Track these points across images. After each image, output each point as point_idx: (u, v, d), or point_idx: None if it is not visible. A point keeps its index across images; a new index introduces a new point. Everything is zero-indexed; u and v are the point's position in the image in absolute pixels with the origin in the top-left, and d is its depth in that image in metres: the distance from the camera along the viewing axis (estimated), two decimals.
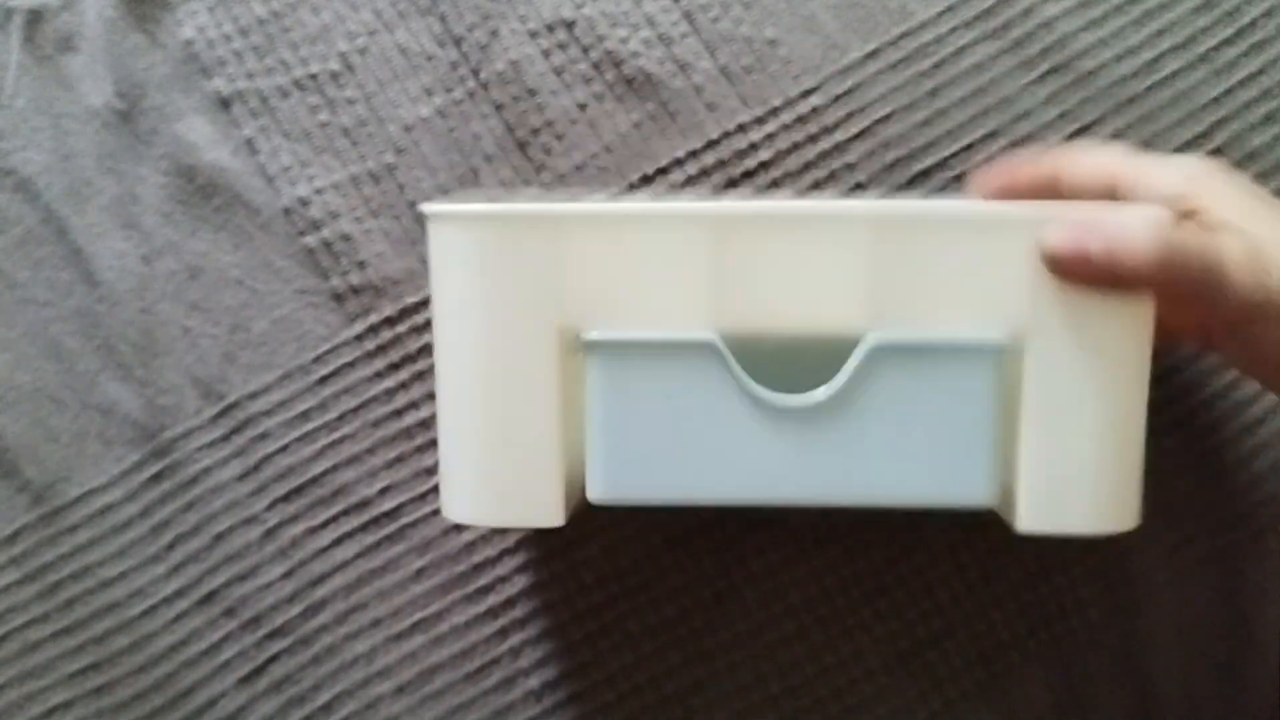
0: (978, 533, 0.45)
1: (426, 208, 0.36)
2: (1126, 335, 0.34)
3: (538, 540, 0.46)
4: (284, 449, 0.46)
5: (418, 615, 0.46)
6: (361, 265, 0.47)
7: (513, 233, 0.34)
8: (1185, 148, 0.46)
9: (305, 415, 0.46)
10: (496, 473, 0.35)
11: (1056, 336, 0.33)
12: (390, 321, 0.47)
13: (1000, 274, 0.33)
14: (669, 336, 0.34)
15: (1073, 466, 0.34)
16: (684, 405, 0.34)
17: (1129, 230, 0.32)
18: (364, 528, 0.46)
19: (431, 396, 0.46)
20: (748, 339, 0.34)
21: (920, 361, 0.33)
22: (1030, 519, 0.34)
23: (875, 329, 0.33)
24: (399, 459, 0.46)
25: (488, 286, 0.34)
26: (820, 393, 0.33)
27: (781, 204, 0.34)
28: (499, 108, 0.47)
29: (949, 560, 0.45)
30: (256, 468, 0.46)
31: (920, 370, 0.33)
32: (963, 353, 0.33)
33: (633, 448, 0.34)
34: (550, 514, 0.35)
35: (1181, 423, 0.45)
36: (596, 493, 0.34)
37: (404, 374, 0.46)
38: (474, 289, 0.35)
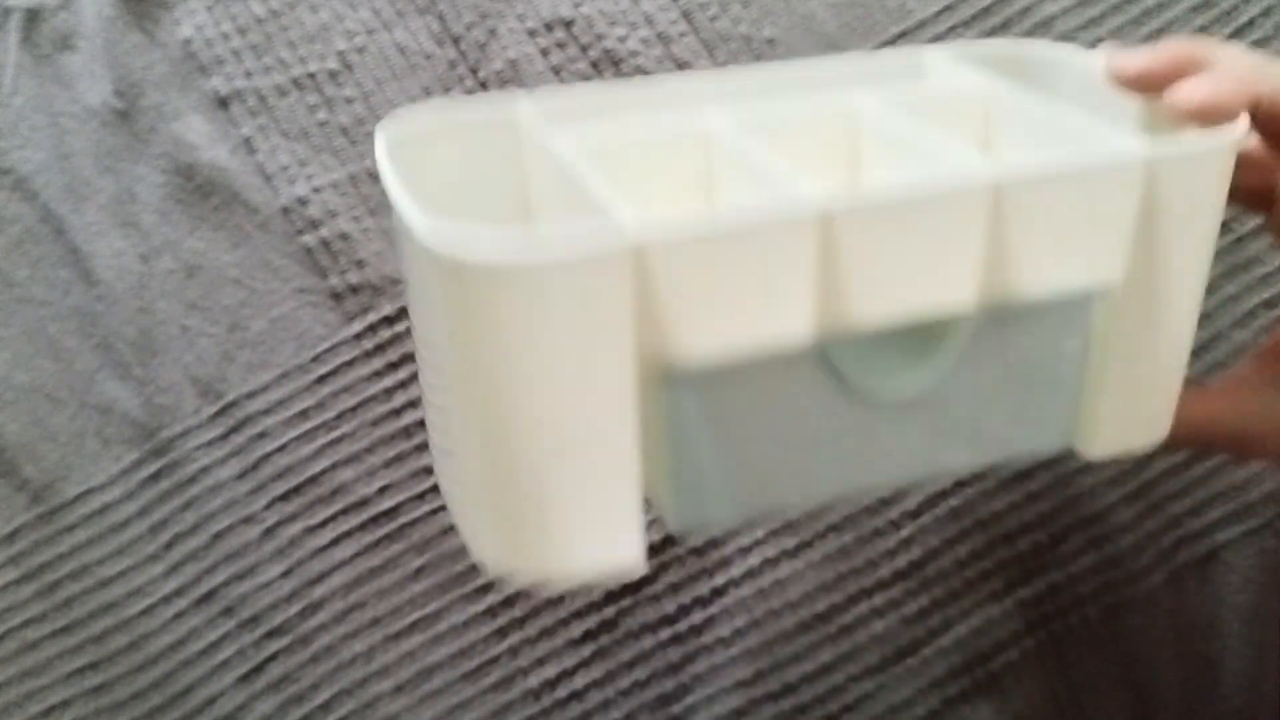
0: (976, 529, 0.45)
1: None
2: (1205, 256, 0.33)
3: None
4: (282, 448, 0.46)
5: (416, 614, 0.46)
6: (360, 264, 0.47)
7: (584, 274, 0.27)
8: None
9: (304, 414, 0.46)
10: (564, 520, 0.30)
11: (1149, 273, 0.32)
12: (389, 320, 0.47)
13: (1103, 224, 0.31)
14: (770, 351, 0.29)
15: (1144, 395, 0.34)
16: (780, 418, 0.30)
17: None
18: (362, 527, 0.46)
19: None
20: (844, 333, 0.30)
21: (1019, 323, 0.31)
22: (1098, 447, 0.33)
23: (981, 300, 0.30)
24: (398, 458, 0.46)
25: (566, 326, 0.28)
26: (927, 376, 0.31)
27: (898, 189, 0.29)
28: None
29: (947, 557, 0.45)
30: (255, 467, 0.46)
31: (1018, 331, 0.31)
32: (1062, 308, 0.31)
33: (723, 471, 0.30)
34: (633, 562, 0.30)
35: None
36: (682, 523, 0.30)
37: (403, 373, 0.46)
38: (550, 329, 0.28)
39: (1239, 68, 0.31)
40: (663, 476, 0.30)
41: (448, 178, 0.34)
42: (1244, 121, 0.31)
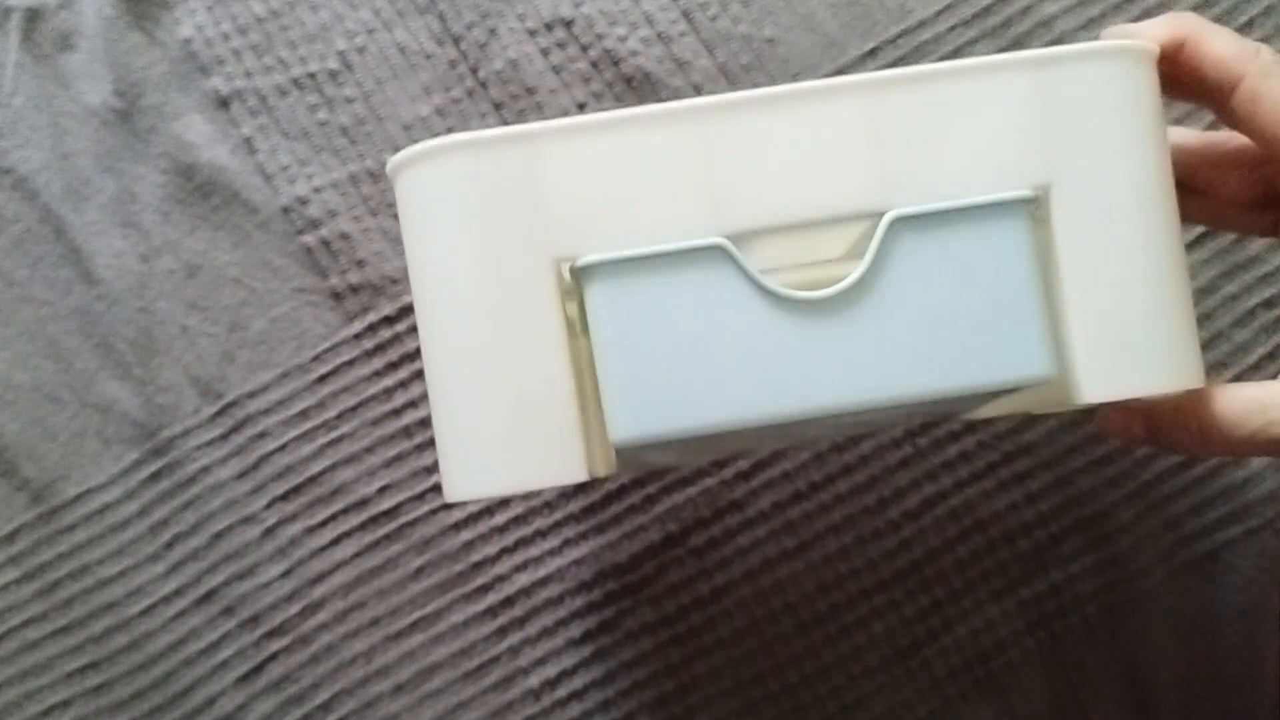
0: (976, 529, 0.45)
1: (390, 163, 0.33)
2: (1147, 162, 0.33)
3: (536, 539, 0.46)
4: (282, 448, 0.46)
5: (416, 614, 0.46)
6: (360, 264, 0.47)
7: (485, 162, 0.31)
8: None
9: (304, 414, 0.46)
10: (506, 433, 0.32)
11: (1079, 179, 0.32)
12: (389, 320, 0.47)
13: (1010, 124, 0.32)
14: (671, 246, 0.31)
15: (1125, 317, 0.32)
16: (699, 320, 0.31)
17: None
18: (362, 526, 0.46)
19: None
20: (751, 241, 0.32)
21: (945, 230, 0.31)
22: (1092, 385, 0.32)
23: (890, 207, 0.31)
24: (397, 458, 0.46)
25: (468, 228, 0.32)
26: (845, 281, 0.31)
27: (768, 89, 0.32)
28: (498, 106, 0.47)
29: (947, 557, 0.45)
30: (255, 466, 0.46)
31: (947, 240, 0.31)
32: (988, 212, 0.31)
33: (651, 377, 0.31)
34: (572, 468, 0.31)
35: None
36: (620, 433, 0.31)
37: (403, 373, 0.46)
38: (453, 234, 0.32)
39: (1186, 18, 0.34)
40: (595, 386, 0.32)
41: None
42: (1151, 44, 0.32)
